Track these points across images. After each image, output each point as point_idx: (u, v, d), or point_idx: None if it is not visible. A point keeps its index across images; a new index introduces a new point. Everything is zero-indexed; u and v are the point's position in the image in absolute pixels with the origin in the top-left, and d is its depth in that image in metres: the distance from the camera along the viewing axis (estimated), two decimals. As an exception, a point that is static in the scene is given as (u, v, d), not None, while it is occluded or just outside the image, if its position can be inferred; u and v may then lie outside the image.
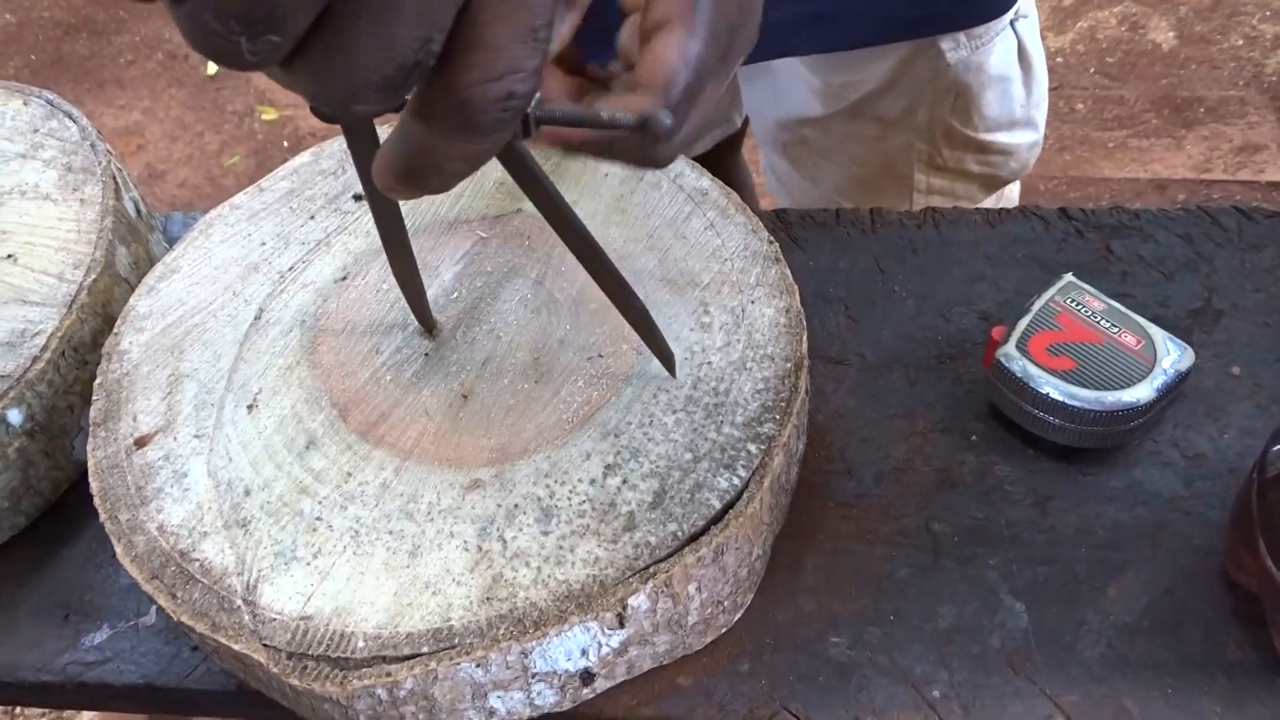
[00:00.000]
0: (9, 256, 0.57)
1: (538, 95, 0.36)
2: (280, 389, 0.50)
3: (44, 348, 0.53)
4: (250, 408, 0.49)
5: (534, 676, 0.42)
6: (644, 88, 0.43)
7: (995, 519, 0.50)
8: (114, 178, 0.60)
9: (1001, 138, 0.81)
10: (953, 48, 0.74)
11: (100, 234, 0.57)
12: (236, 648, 0.41)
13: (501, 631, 0.41)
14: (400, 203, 0.51)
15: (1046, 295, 0.52)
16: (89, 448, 0.48)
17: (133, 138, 2.43)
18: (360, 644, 0.41)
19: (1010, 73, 0.78)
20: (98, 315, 0.55)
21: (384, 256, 0.54)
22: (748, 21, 0.44)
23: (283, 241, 0.56)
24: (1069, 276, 0.54)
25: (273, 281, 0.55)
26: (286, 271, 0.55)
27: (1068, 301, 0.52)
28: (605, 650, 0.43)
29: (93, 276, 0.55)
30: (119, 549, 0.45)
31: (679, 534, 0.43)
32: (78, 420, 0.55)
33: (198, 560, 0.44)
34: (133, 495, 0.46)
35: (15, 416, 0.51)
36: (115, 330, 0.53)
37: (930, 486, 0.52)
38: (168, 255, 0.56)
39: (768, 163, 0.99)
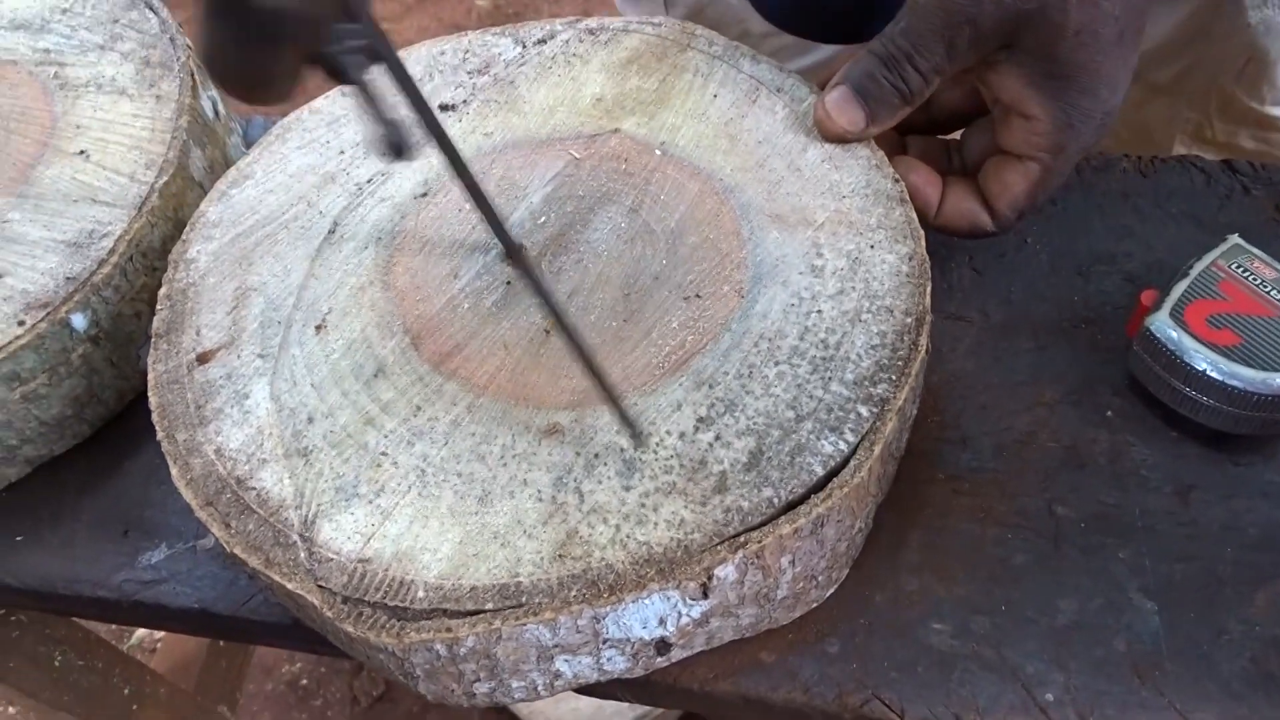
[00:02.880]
0: (81, 153, 0.54)
1: (354, 44, 0.33)
2: (351, 310, 0.46)
3: (111, 250, 0.50)
4: (319, 328, 0.46)
5: (605, 642, 0.39)
6: (985, 205, 0.49)
7: (1128, 506, 0.45)
8: (192, 74, 0.57)
9: None
10: (1258, 4, 0.64)
11: (175, 134, 0.54)
12: (290, 586, 0.38)
13: (573, 593, 0.37)
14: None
15: (1209, 258, 0.46)
16: (149, 360, 0.45)
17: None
18: (420, 594, 0.38)
19: None
20: (168, 220, 0.53)
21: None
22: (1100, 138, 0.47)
23: (362, 151, 0.52)
24: (1235, 238, 0.47)
25: (350, 194, 0.51)
26: (365, 184, 0.51)
27: (1233, 267, 0.46)
28: (685, 620, 0.39)
29: (165, 178, 0.52)
30: (174, 470, 0.42)
31: (775, 501, 0.39)
32: (144, 329, 0.52)
33: (255, 489, 0.41)
34: (192, 414, 0.43)
35: (80, 321, 0.49)
36: (183, 237, 0.50)
37: (1055, 464, 0.46)
38: (241, 160, 0.53)
39: None
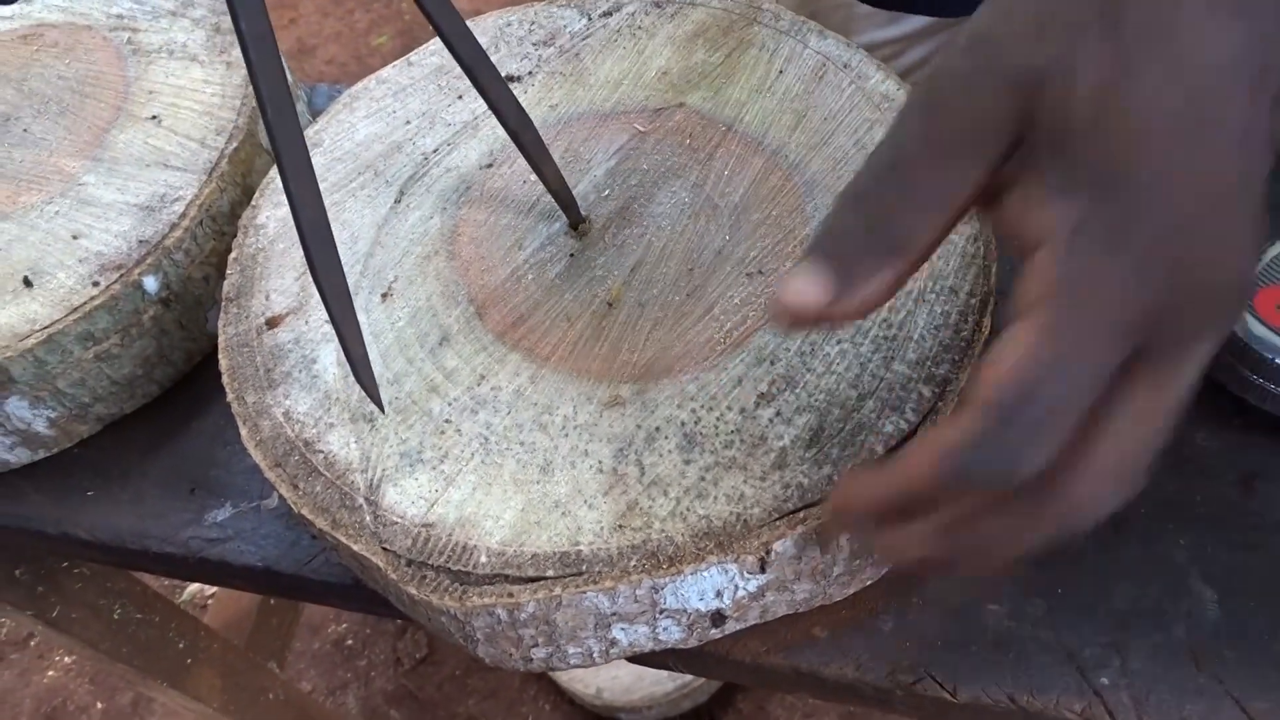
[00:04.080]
0: (153, 118, 0.55)
1: None
2: (417, 279, 0.47)
3: (182, 215, 0.51)
4: (385, 296, 0.46)
5: (662, 612, 0.39)
6: (966, 406, 0.28)
7: (1190, 494, 0.44)
8: (261, 42, 0.58)
9: None
10: None
11: (245, 100, 0.55)
12: (355, 548, 0.39)
13: (633, 563, 0.38)
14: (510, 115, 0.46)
15: (1283, 244, 0.45)
16: (220, 323, 0.46)
17: (286, 11, 2.44)
18: (483, 559, 0.38)
19: None
20: (237, 185, 0.53)
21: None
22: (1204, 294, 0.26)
23: (428, 121, 0.53)
24: (1311, 224, 0.46)
25: (416, 163, 0.51)
26: (430, 153, 0.52)
27: (1308, 254, 0.45)
28: (741, 594, 0.40)
29: (234, 144, 0.53)
30: (244, 431, 0.43)
31: (835, 478, 0.39)
32: (212, 292, 0.53)
33: (322, 452, 0.42)
34: (261, 377, 0.44)
35: (151, 284, 0.50)
36: (253, 203, 0.51)
37: (1116, 449, 0.46)
38: (309, 128, 0.53)
39: None
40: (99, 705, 1.46)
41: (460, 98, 0.54)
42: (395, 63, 0.56)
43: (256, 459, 0.42)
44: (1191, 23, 0.25)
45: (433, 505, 0.40)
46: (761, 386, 0.42)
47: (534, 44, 0.56)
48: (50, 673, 1.50)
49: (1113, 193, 0.26)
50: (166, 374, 0.54)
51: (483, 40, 0.56)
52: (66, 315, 0.48)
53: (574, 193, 0.48)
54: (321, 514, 0.40)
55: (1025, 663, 0.41)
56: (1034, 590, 0.43)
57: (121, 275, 0.49)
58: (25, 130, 0.56)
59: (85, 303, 0.48)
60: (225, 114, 0.55)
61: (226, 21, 0.59)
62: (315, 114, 0.65)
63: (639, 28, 0.55)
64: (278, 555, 0.49)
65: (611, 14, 0.56)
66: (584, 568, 0.38)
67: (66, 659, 1.51)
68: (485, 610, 0.38)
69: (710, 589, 0.39)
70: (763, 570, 0.39)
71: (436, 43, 0.56)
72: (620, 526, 0.39)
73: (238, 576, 0.50)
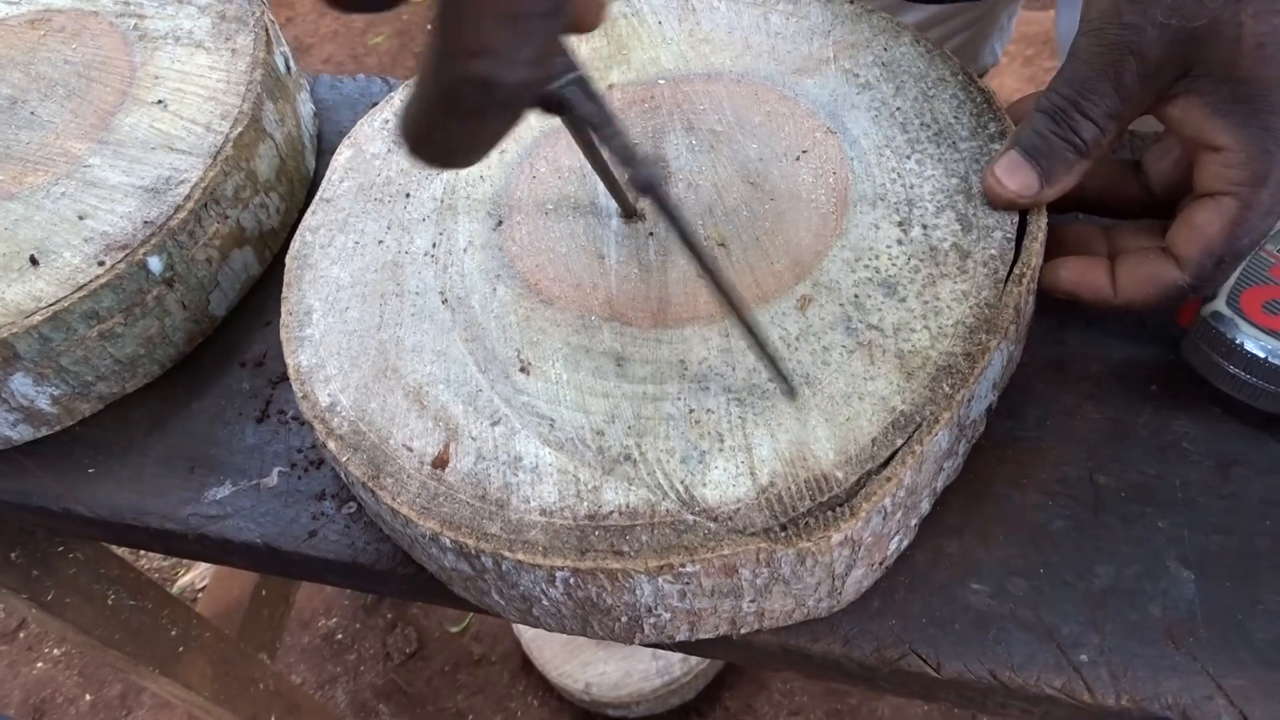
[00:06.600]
0: (159, 102, 0.56)
1: (571, 76, 0.35)
2: (538, 339, 0.44)
3: (187, 197, 0.52)
4: (524, 370, 0.43)
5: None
6: (1175, 259, 0.43)
7: (1169, 478, 0.46)
8: (266, 30, 0.59)
9: None
10: None
11: (249, 86, 0.56)
12: (726, 553, 0.37)
13: (946, 388, 0.40)
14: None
15: (1261, 244, 0.47)
16: (398, 505, 0.41)
17: (282, 9, 2.45)
18: (839, 475, 0.38)
19: None
20: (241, 169, 0.54)
21: (524, 190, 0.51)
22: None
23: (400, 228, 0.50)
24: (1286, 221, 0.47)
25: (428, 263, 0.48)
26: (432, 249, 0.48)
27: (1283, 249, 0.46)
28: None
29: (239, 129, 0.54)
30: (541, 560, 0.38)
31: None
32: (215, 274, 0.54)
33: (613, 512, 0.39)
34: (485, 508, 0.40)
35: (155, 264, 0.51)
36: (301, 394, 0.44)
37: (1099, 436, 0.47)
38: (288, 305, 0.48)
39: None
40: (87, 697, 1.46)
41: (408, 195, 0.51)
42: (311, 210, 0.51)
43: (556, 564, 0.38)
44: None
45: (753, 473, 0.39)
46: (895, 217, 0.45)
47: None
48: (39, 664, 1.50)
49: (1270, 111, 0.39)
50: (168, 354, 0.54)
51: (375, 146, 0.53)
52: (72, 293, 0.49)
53: (598, 189, 0.48)
54: (673, 554, 0.37)
55: (1006, 640, 0.42)
56: (1015, 570, 0.44)
57: (126, 255, 0.50)
58: (32, 113, 0.57)
59: (90, 281, 0.49)
60: (230, 99, 0.55)
61: (232, 9, 0.60)
62: (318, 104, 0.66)
63: None
64: (277, 532, 0.50)
65: None
66: (916, 419, 0.39)
67: (55, 651, 1.51)
68: (878, 509, 0.38)
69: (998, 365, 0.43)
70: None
71: (336, 171, 0.53)
72: (909, 374, 0.41)
73: (237, 553, 0.51)
